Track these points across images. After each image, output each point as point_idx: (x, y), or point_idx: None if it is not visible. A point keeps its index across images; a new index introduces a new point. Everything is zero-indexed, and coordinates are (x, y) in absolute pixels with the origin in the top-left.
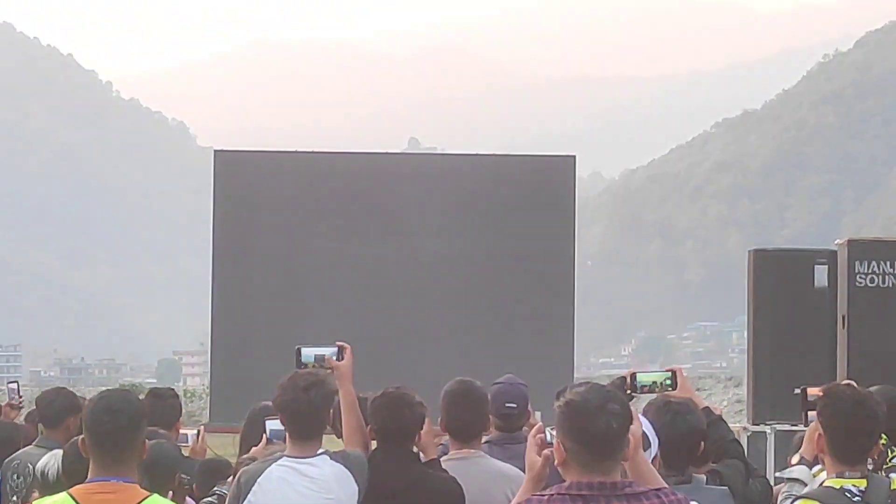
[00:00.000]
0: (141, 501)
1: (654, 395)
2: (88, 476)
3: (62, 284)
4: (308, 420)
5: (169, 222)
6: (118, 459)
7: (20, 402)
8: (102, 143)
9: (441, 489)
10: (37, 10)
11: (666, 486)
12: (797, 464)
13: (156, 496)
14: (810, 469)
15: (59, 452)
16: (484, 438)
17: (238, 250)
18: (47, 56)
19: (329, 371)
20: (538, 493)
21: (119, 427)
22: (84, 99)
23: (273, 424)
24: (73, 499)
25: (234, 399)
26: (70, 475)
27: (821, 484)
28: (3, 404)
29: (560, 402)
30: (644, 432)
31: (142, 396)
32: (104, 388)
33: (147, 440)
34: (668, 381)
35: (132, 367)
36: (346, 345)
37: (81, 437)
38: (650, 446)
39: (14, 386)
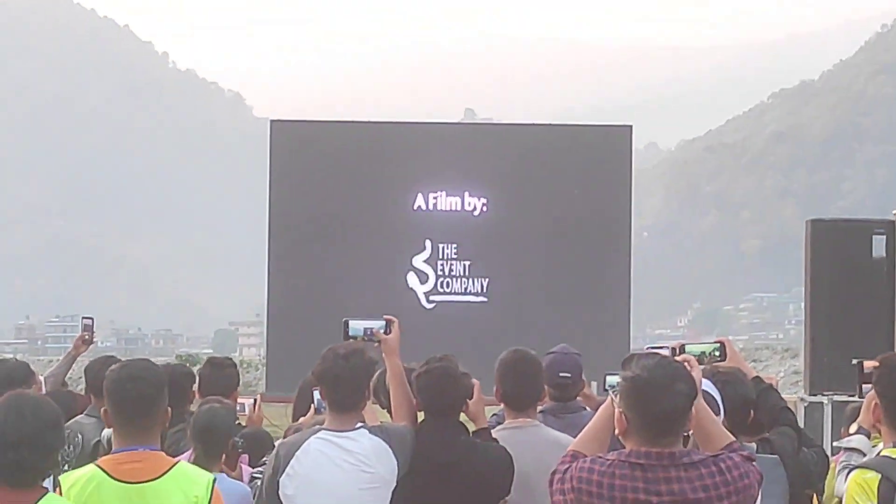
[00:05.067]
0: (169, 468)
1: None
2: (114, 447)
3: (118, 257)
4: (347, 389)
5: (225, 193)
6: (142, 427)
7: (91, 338)
8: (159, 116)
9: (489, 459)
10: None
11: (733, 440)
12: (855, 433)
13: (182, 462)
14: (869, 438)
15: None
16: (539, 408)
17: (294, 221)
18: (104, 27)
19: (376, 344)
20: (602, 456)
21: (142, 394)
22: (140, 71)
23: (320, 395)
24: (103, 470)
25: (290, 370)
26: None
27: (878, 453)
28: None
29: (626, 375)
30: (713, 398)
31: (199, 366)
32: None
33: (203, 406)
34: (717, 352)
35: (188, 337)
36: (393, 318)
37: (104, 408)
38: (718, 414)
39: (89, 322)
